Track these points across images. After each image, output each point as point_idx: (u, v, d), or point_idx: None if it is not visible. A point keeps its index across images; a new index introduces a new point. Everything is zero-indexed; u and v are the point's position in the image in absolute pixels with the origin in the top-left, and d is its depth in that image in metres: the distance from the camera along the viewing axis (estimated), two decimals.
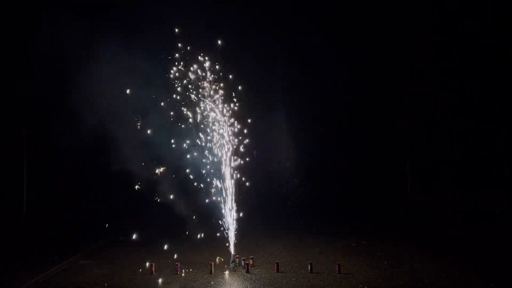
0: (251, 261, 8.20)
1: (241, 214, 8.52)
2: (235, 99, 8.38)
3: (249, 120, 8.69)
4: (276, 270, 7.83)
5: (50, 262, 8.60)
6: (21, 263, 8.76)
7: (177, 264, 7.90)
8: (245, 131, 8.65)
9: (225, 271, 7.94)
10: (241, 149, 8.55)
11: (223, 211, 8.35)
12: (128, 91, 8.50)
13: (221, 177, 8.29)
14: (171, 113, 8.37)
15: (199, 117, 8.28)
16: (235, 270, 7.95)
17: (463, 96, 16.73)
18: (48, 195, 15.96)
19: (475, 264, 8.04)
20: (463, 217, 13.33)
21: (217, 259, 8.48)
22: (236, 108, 8.42)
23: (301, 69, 20.69)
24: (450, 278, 7.23)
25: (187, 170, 8.53)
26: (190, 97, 8.26)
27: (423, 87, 18.50)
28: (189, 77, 8.23)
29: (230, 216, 8.36)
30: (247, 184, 8.92)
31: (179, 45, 8.24)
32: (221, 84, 8.33)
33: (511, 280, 7.03)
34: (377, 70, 20.26)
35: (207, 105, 8.28)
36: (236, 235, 8.47)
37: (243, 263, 8.10)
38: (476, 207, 14.19)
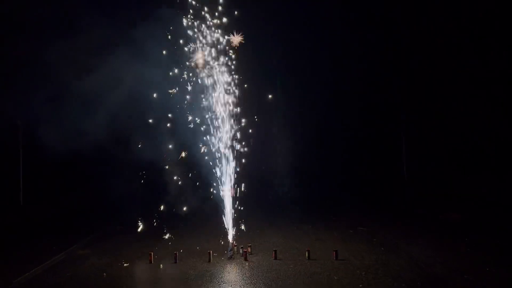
0: (249, 249, 8.23)
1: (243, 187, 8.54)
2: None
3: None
4: (274, 258, 7.86)
5: (48, 253, 8.60)
6: (19, 254, 8.77)
7: (176, 253, 7.92)
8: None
9: (223, 259, 7.97)
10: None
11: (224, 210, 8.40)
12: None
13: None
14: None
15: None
16: (233, 258, 7.98)
17: (462, 79, 16.61)
18: (45, 186, 15.88)
19: (471, 249, 8.10)
20: (461, 202, 13.39)
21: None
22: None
23: (296, 52, 20.50)
24: (447, 263, 7.27)
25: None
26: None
27: (420, 73, 18.39)
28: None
29: (229, 204, 8.39)
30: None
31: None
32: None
33: (508, 265, 7.08)
34: (374, 53, 20.08)
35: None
36: (234, 224, 8.50)
37: (241, 251, 8.13)
38: (474, 191, 14.24)
